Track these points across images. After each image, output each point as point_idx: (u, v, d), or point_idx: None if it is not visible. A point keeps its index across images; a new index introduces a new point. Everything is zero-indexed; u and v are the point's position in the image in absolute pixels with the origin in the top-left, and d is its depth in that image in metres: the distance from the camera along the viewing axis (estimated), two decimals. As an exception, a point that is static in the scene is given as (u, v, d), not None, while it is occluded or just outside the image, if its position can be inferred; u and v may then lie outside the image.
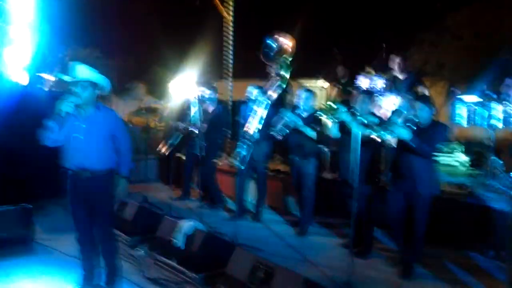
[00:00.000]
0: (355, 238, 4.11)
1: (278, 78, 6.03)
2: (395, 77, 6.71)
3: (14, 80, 7.03)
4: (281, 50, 6.61)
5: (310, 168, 5.55)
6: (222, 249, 4.14)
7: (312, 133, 5.32)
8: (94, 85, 3.60)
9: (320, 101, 8.57)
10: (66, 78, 3.58)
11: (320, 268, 4.39)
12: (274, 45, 6.54)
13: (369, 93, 5.13)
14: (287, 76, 6.28)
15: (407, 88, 6.49)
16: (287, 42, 6.55)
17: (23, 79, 7.11)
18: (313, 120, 5.30)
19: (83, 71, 3.56)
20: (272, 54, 6.54)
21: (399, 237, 4.38)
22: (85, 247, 3.80)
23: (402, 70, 6.55)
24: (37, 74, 7.68)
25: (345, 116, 4.54)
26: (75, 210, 3.74)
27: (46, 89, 8.09)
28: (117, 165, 3.73)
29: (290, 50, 6.53)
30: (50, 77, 8.48)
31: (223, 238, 4.78)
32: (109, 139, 3.67)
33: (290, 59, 6.39)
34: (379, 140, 4.19)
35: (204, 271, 3.96)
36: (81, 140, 3.55)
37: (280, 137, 5.50)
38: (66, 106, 3.44)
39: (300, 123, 5.34)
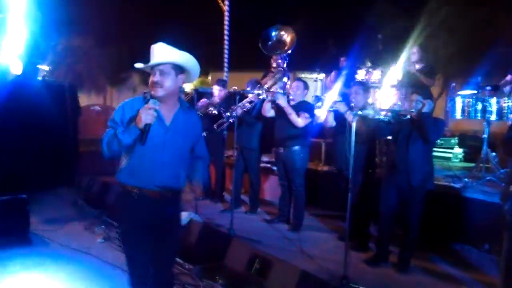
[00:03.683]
0: (351, 231, 4.14)
1: (280, 70, 6.04)
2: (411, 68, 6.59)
3: (7, 69, 6.95)
4: (280, 41, 6.60)
5: (296, 161, 5.32)
6: (219, 241, 4.15)
7: (297, 119, 5.19)
8: (178, 69, 2.59)
9: (315, 92, 8.60)
10: (138, 65, 2.61)
11: (316, 260, 4.43)
12: (273, 35, 6.54)
13: (362, 84, 5.13)
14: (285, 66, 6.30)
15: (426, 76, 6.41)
16: (286, 34, 6.53)
17: (17, 69, 7.03)
18: (302, 109, 5.24)
19: (162, 51, 2.56)
20: (270, 43, 6.54)
21: (387, 231, 4.39)
22: None
23: (417, 60, 6.45)
24: (31, 63, 7.60)
25: (341, 106, 4.58)
26: (137, 244, 2.69)
27: (40, 78, 8.03)
28: (195, 166, 2.86)
29: (289, 41, 6.52)
30: (43, 67, 8.41)
31: (220, 230, 4.80)
32: (190, 150, 2.82)
33: (289, 51, 6.39)
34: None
35: (201, 263, 3.97)
36: (162, 149, 2.61)
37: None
38: (147, 116, 2.44)
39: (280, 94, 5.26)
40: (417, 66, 6.50)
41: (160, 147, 2.60)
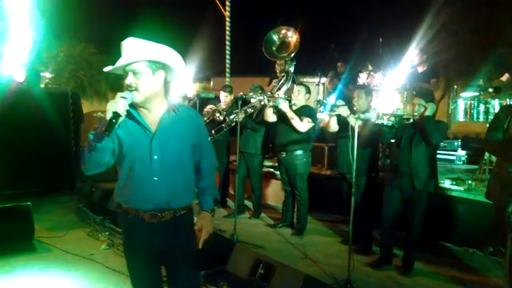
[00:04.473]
0: (354, 234, 4.13)
1: (283, 75, 6.02)
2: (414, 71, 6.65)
3: (10, 77, 7.00)
4: (283, 43, 6.53)
5: (299, 166, 5.29)
6: (223, 246, 4.14)
7: (300, 124, 5.17)
8: (155, 66, 2.18)
9: (317, 96, 8.61)
10: (107, 68, 2.23)
11: (320, 264, 4.42)
12: (275, 38, 6.51)
13: (365, 88, 5.13)
14: (291, 70, 6.27)
15: (424, 79, 6.47)
16: (290, 34, 6.47)
17: (20, 76, 7.08)
18: (304, 114, 5.23)
19: (133, 48, 2.16)
20: (274, 48, 6.52)
21: (390, 234, 4.39)
22: None
23: (419, 63, 6.50)
24: (34, 70, 7.65)
25: (343, 110, 4.58)
26: (138, 269, 2.38)
27: (43, 85, 8.08)
28: (199, 191, 2.49)
29: (293, 43, 6.45)
30: (46, 74, 8.46)
31: (223, 235, 4.79)
32: (192, 156, 2.38)
33: (293, 53, 6.32)
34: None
35: (204, 268, 3.97)
36: (149, 162, 2.22)
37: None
38: (117, 105, 2.05)
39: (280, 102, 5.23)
40: (419, 70, 6.53)
41: (147, 159, 2.21)
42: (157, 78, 2.19)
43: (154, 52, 2.17)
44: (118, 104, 2.04)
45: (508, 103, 5.77)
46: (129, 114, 2.16)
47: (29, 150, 6.61)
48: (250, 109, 5.68)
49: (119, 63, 2.14)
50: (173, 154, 2.26)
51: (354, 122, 4.00)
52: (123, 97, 2.07)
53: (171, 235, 2.30)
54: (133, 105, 2.17)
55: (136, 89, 2.13)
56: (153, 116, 2.24)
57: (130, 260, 2.39)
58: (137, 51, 2.14)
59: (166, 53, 2.21)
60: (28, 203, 4.79)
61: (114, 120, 2.03)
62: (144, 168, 2.22)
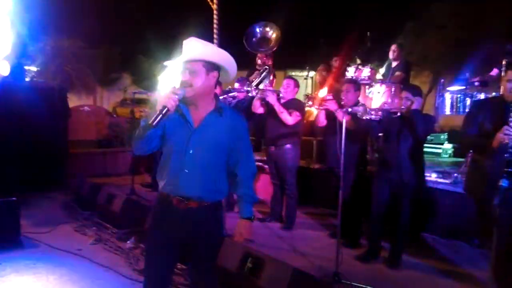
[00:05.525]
0: (343, 228, 4.16)
1: (266, 68, 6.06)
2: (390, 65, 6.79)
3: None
4: (264, 38, 6.62)
5: (288, 160, 5.31)
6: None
7: (287, 117, 5.19)
8: (210, 67, 2.35)
9: (305, 90, 8.63)
10: (167, 62, 2.45)
11: (308, 258, 4.45)
12: (257, 31, 6.57)
13: (353, 82, 5.15)
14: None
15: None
16: (271, 31, 6.56)
17: (4, 70, 6.97)
18: (292, 107, 5.23)
19: (193, 47, 2.34)
20: (254, 40, 6.59)
21: (378, 227, 4.42)
22: None
23: (395, 58, 6.65)
24: (18, 64, 7.53)
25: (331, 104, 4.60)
26: (157, 255, 2.48)
27: (28, 79, 7.96)
28: (238, 198, 2.59)
29: (274, 39, 6.55)
30: (32, 68, 8.34)
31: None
32: (227, 159, 2.48)
33: (274, 49, 6.43)
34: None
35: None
36: (184, 154, 2.36)
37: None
38: (168, 100, 2.19)
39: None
40: (394, 64, 6.65)
41: (183, 151, 2.35)
42: (211, 78, 2.35)
43: (211, 53, 2.36)
44: (170, 100, 2.18)
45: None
46: (178, 107, 2.29)
47: (14, 145, 6.52)
48: (231, 99, 5.66)
49: (180, 59, 2.32)
50: (207, 152, 2.38)
51: (342, 116, 4.01)
52: (175, 93, 2.21)
53: (195, 223, 2.41)
54: (183, 100, 2.30)
55: (190, 85, 2.29)
56: (199, 113, 2.40)
57: (149, 242, 2.55)
58: (196, 51, 2.32)
59: (222, 55, 2.39)
60: (14, 198, 4.73)
61: (163, 114, 2.18)
62: (179, 159, 2.36)
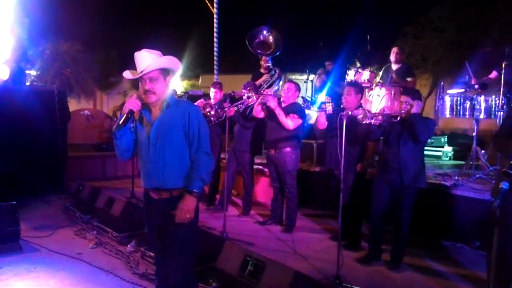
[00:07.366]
0: (343, 230, 4.15)
1: (275, 72, 6.13)
2: (390, 67, 6.78)
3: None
4: (265, 43, 6.70)
5: (288, 163, 5.29)
6: (212, 243, 4.13)
7: (287, 121, 5.17)
8: (165, 72, 2.71)
9: (306, 94, 8.64)
10: (127, 75, 2.72)
11: (309, 261, 4.43)
12: (262, 34, 6.67)
13: (354, 85, 5.16)
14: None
15: (400, 77, 6.57)
16: (273, 39, 6.67)
17: (4, 74, 6.98)
18: (292, 111, 5.23)
19: (148, 58, 2.62)
20: (256, 41, 6.67)
21: (379, 229, 4.42)
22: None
23: (397, 61, 6.63)
24: (18, 68, 7.54)
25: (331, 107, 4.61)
26: (151, 243, 3.09)
27: (28, 83, 7.96)
28: (186, 175, 2.71)
29: (273, 46, 6.65)
30: (31, 72, 8.35)
31: (213, 232, 4.78)
32: (186, 143, 2.72)
33: (270, 55, 6.54)
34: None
35: (194, 266, 3.95)
36: (147, 147, 2.69)
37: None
38: (133, 104, 2.60)
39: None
40: (394, 67, 6.64)
41: (147, 146, 2.71)
42: (167, 81, 2.73)
43: (166, 61, 2.69)
44: (134, 104, 2.61)
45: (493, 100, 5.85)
46: (140, 112, 2.70)
47: (15, 148, 6.52)
48: (241, 105, 5.69)
49: (139, 71, 2.62)
50: (166, 142, 2.68)
51: (341, 119, 4.01)
52: (139, 98, 2.63)
53: (167, 213, 2.67)
54: (144, 105, 2.70)
55: (154, 93, 2.65)
56: (156, 111, 2.74)
57: (147, 231, 2.92)
58: (152, 61, 2.62)
59: (172, 61, 2.71)
60: (14, 202, 4.73)
61: (129, 115, 2.61)
62: (144, 154, 2.73)
